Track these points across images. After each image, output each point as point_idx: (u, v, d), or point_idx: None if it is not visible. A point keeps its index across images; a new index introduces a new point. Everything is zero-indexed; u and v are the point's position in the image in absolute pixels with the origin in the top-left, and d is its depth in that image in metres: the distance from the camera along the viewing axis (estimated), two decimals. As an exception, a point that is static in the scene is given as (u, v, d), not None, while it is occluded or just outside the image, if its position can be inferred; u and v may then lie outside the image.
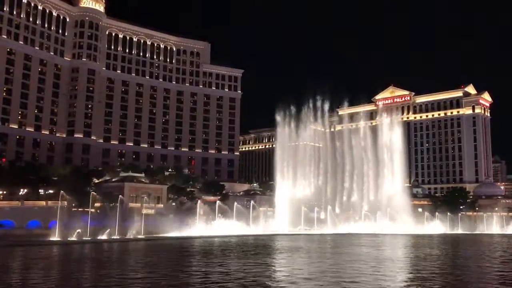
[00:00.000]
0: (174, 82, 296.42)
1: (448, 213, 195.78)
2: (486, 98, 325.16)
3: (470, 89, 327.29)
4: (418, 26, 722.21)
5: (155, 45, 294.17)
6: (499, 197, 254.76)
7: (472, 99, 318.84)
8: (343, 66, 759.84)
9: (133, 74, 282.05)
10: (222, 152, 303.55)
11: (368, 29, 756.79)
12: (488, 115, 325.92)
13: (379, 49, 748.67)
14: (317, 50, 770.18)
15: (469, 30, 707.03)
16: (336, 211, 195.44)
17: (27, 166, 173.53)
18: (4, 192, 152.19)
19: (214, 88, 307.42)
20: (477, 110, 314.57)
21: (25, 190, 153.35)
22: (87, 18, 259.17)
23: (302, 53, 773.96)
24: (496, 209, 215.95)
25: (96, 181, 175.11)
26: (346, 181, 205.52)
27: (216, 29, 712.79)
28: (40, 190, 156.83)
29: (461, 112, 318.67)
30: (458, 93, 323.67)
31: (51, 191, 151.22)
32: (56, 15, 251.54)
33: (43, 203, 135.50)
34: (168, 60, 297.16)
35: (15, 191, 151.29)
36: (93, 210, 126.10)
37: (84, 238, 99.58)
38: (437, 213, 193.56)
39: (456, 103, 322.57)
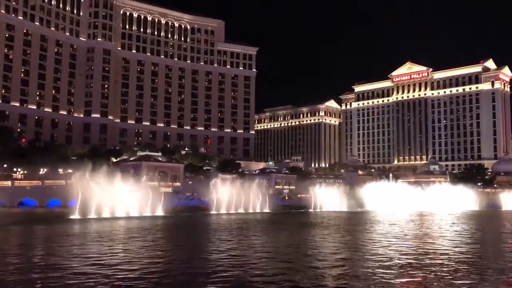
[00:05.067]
0: (189, 61, 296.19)
1: (466, 190, 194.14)
2: (506, 73, 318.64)
3: (490, 63, 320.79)
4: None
5: (170, 24, 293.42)
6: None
7: (492, 74, 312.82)
8: (357, 42, 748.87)
9: (148, 54, 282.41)
10: (238, 131, 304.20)
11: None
12: (508, 90, 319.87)
13: (394, 24, 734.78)
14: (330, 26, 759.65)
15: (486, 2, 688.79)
16: None
17: (46, 146, 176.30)
18: (25, 172, 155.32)
19: (229, 66, 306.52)
20: (497, 85, 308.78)
21: (45, 170, 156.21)
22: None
23: (321, 29, 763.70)
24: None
25: (114, 160, 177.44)
26: None
27: (231, 5, 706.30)
28: (59, 170, 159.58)
29: (480, 88, 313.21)
30: (477, 68, 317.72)
31: (70, 171, 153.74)
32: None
33: (63, 182, 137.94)
34: (182, 39, 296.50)
35: (35, 170, 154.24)
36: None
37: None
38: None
39: (475, 78, 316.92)
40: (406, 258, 40.87)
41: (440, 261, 39.51)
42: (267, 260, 39.23)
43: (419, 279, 31.90)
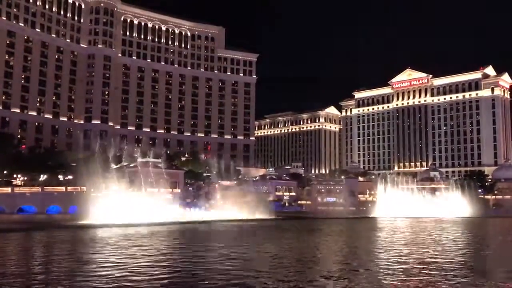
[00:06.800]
0: (189, 68, 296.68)
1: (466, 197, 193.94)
2: (506, 79, 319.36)
3: (489, 70, 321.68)
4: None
5: (170, 30, 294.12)
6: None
7: (491, 81, 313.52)
8: (357, 48, 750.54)
9: (149, 60, 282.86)
10: (238, 137, 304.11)
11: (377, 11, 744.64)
12: (508, 97, 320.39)
13: (394, 28, 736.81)
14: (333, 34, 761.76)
15: (487, 9, 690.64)
16: None
17: (46, 153, 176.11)
18: (25, 178, 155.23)
19: (229, 73, 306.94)
20: (496, 92, 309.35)
21: (45, 176, 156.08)
22: (102, 5, 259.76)
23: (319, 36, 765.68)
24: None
25: (114, 166, 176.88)
26: None
27: (231, 12, 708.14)
28: (59, 176, 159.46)
29: (479, 94, 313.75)
30: (476, 75, 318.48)
31: (70, 177, 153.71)
32: (71, 2, 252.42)
33: (63, 188, 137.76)
34: (183, 45, 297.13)
35: (35, 177, 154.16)
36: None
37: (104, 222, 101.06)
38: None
39: (474, 85, 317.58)
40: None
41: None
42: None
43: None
